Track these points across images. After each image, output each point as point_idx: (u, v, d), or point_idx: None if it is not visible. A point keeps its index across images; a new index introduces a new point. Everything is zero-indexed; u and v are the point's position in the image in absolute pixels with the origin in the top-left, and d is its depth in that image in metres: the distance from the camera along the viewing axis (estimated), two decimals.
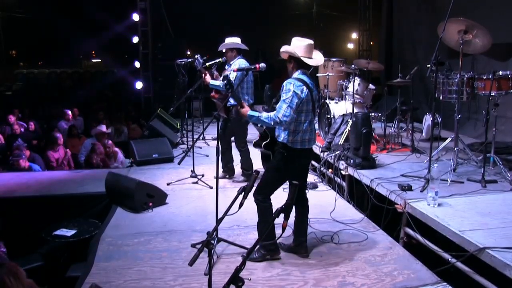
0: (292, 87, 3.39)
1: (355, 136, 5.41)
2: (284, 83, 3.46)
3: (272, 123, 3.42)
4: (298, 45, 3.53)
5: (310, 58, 3.55)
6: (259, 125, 3.76)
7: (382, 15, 11.98)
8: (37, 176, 6.36)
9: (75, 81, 20.77)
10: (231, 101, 5.28)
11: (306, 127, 3.51)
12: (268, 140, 3.79)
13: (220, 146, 3.72)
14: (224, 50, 5.47)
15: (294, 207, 3.59)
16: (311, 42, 3.57)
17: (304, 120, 3.50)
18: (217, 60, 5.56)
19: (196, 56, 5.25)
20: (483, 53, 5.36)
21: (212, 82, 5.31)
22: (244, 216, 4.36)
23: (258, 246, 3.49)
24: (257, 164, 6.00)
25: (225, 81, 3.86)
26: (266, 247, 3.57)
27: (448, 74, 5.32)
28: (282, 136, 3.52)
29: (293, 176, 3.26)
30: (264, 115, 3.46)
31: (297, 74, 3.53)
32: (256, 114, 3.52)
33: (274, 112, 3.41)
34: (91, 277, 3.34)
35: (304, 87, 3.43)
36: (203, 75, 5.30)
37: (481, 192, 4.42)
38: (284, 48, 3.56)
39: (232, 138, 5.74)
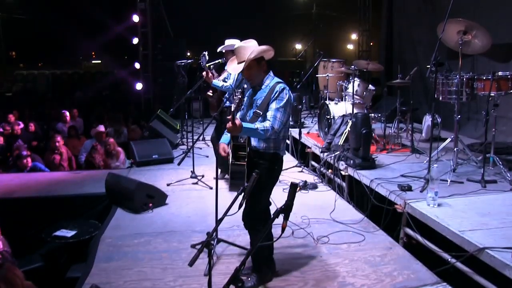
0: (286, 93, 3.05)
1: (355, 136, 5.42)
2: (278, 88, 3.06)
3: (268, 134, 2.98)
4: (255, 44, 3.20)
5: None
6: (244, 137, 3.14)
7: (382, 15, 11.98)
8: (37, 177, 6.36)
9: (75, 82, 20.79)
10: (227, 103, 5.28)
11: (287, 132, 3.28)
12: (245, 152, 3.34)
13: (214, 146, 3.68)
14: (224, 51, 5.48)
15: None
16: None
17: (288, 124, 3.25)
18: (217, 61, 5.56)
19: (204, 53, 5.21)
20: (483, 53, 5.35)
21: (215, 81, 5.31)
22: None
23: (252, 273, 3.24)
24: None
25: (238, 91, 3.40)
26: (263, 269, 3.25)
27: (447, 75, 5.32)
28: (270, 145, 3.13)
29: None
30: (259, 126, 2.96)
31: (272, 75, 3.19)
32: (251, 126, 2.95)
33: (269, 122, 2.99)
34: (91, 278, 3.34)
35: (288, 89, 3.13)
36: (207, 73, 5.26)
37: (481, 192, 4.41)
38: (255, 51, 3.09)
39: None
